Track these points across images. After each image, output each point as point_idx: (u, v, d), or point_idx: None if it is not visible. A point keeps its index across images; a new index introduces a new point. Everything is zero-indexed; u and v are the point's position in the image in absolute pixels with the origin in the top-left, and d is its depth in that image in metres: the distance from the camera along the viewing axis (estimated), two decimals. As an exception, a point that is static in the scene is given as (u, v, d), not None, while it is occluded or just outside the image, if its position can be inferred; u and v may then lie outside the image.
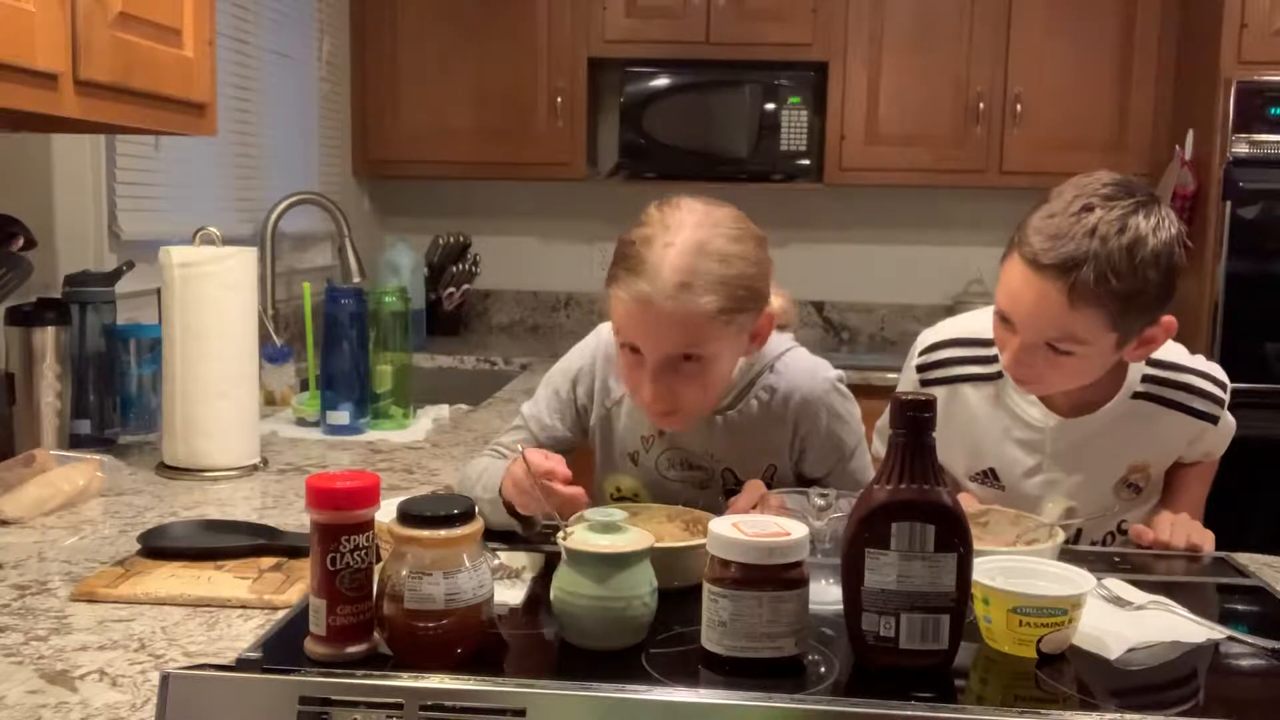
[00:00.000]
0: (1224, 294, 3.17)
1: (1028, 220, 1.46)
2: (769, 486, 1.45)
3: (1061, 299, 1.40)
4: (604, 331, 1.58)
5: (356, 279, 2.78)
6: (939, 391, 1.62)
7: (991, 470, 1.64)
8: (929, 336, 1.72)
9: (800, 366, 1.57)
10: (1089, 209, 1.41)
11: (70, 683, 1.03)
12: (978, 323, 1.63)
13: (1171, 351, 1.61)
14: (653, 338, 1.36)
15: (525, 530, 1.42)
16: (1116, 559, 1.44)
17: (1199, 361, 1.63)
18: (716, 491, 1.54)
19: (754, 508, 1.35)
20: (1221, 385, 1.62)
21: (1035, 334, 1.45)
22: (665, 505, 1.45)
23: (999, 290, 1.49)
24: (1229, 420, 1.66)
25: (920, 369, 1.70)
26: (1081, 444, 1.58)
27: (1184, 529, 1.53)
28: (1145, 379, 1.58)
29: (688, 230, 1.36)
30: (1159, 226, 1.43)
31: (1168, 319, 1.49)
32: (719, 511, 1.35)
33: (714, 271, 1.35)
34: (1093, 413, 1.57)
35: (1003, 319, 1.50)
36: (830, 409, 1.54)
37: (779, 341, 1.58)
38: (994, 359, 1.58)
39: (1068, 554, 1.34)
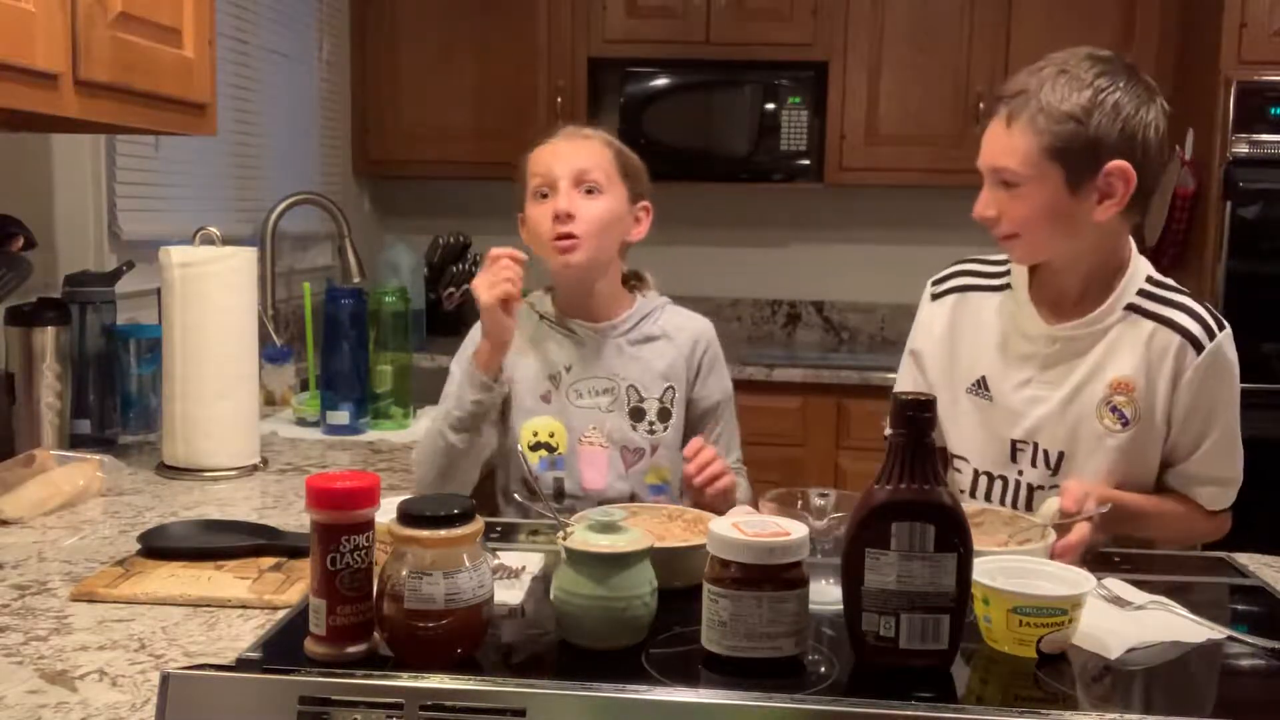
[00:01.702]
0: (1224, 294, 3.16)
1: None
2: (667, 408, 1.77)
3: (1001, 125, 1.52)
4: None
5: (356, 279, 2.78)
6: (949, 300, 1.70)
7: (983, 379, 1.64)
8: (941, 272, 1.78)
9: (686, 312, 1.88)
10: (1046, 59, 1.53)
11: (70, 683, 1.03)
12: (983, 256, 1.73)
13: (1176, 286, 1.61)
14: (561, 158, 1.73)
15: (491, 392, 1.66)
16: (1116, 559, 1.44)
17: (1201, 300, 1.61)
18: (623, 413, 1.77)
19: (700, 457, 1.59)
20: (1217, 320, 1.58)
21: (986, 165, 1.54)
22: (665, 505, 1.45)
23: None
24: (1228, 404, 1.62)
25: (934, 287, 1.75)
26: (1070, 355, 1.59)
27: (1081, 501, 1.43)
28: (1140, 293, 1.59)
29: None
30: (1117, 82, 1.48)
31: (1121, 164, 1.48)
32: (624, 434, 1.74)
33: (605, 134, 1.82)
34: (1083, 317, 1.58)
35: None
36: (717, 345, 1.86)
37: (661, 298, 1.87)
38: (1000, 275, 1.66)
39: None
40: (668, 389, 1.79)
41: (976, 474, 1.65)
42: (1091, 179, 1.49)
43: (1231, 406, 1.63)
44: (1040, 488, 1.59)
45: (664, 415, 1.79)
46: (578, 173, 1.73)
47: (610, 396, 1.77)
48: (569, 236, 1.70)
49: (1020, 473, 1.61)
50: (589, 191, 1.72)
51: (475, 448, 1.68)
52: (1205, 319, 1.57)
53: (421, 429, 2.26)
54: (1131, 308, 1.57)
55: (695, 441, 1.65)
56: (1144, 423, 1.57)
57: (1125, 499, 1.54)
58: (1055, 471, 1.58)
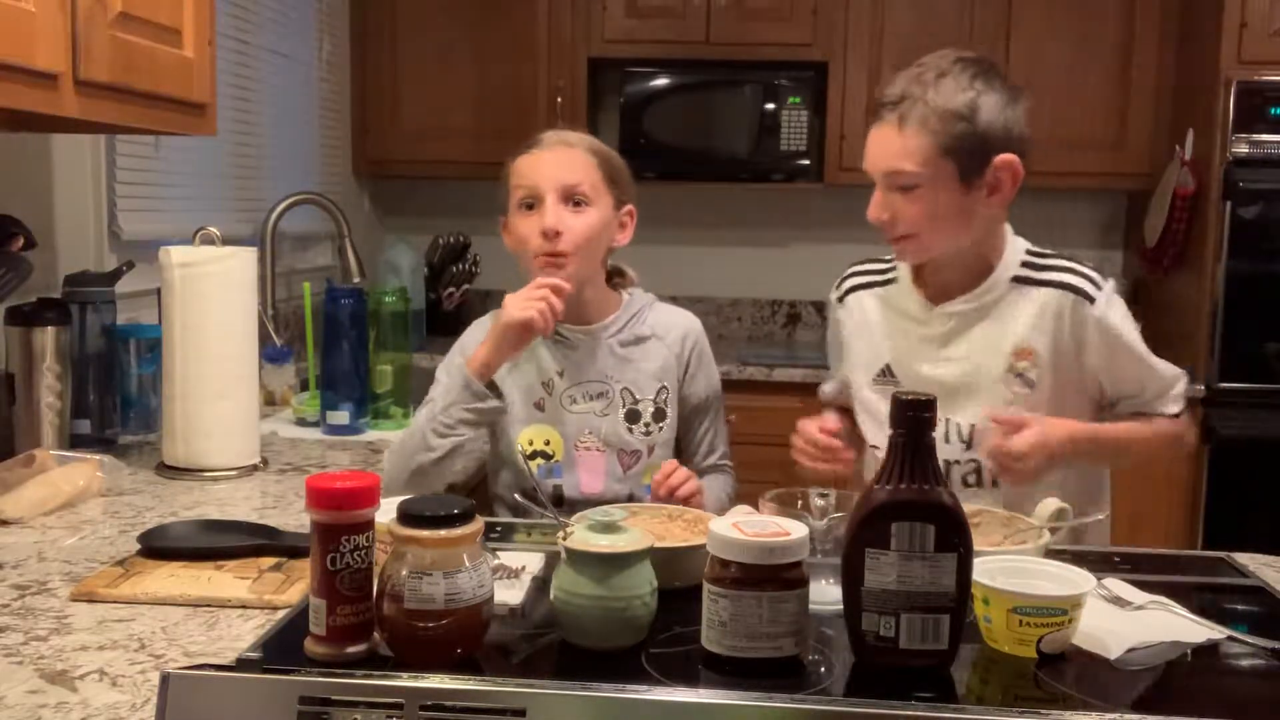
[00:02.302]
0: (1224, 294, 3.16)
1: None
2: (662, 408, 1.77)
3: (892, 129, 1.57)
4: (488, 320, 1.82)
5: (356, 279, 2.77)
6: (849, 301, 1.82)
7: (888, 367, 1.73)
8: (843, 274, 1.89)
9: (673, 309, 1.87)
10: (920, 64, 1.60)
11: (70, 683, 1.03)
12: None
13: (1055, 254, 1.71)
14: (546, 171, 1.70)
15: (490, 402, 1.66)
16: (1116, 559, 1.44)
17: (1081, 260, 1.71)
18: (618, 416, 1.77)
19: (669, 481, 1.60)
20: (1100, 274, 1.67)
21: (878, 168, 1.60)
22: (665, 505, 1.45)
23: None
24: (1130, 336, 1.67)
25: (835, 294, 1.87)
26: (964, 328, 1.66)
27: (1015, 443, 1.51)
28: (1023, 264, 1.66)
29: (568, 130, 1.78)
30: (991, 82, 1.58)
31: (1008, 158, 1.57)
32: (620, 437, 1.74)
33: (589, 139, 1.77)
34: (966, 293, 1.66)
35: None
36: (705, 341, 1.86)
37: (646, 295, 1.87)
38: (888, 270, 1.77)
39: (1067, 553, 1.34)
40: (661, 389, 1.80)
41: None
42: (981, 174, 1.57)
43: (1137, 336, 1.69)
44: (957, 462, 1.67)
45: (659, 416, 1.79)
46: (565, 187, 1.71)
47: (605, 400, 1.77)
48: (557, 254, 1.70)
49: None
50: (576, 204, 1.71)
51: (451, 456, 1.67)
52: (1089, 274, 1.65)
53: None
54: (1018, 279, 1.65)
55: (669, 464, 1.65)
56: (1053, 382, 1.64)
57: (1099, 430, 1.65)
58: (969, 445, 1.65)
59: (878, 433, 1.72)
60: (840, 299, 1.84)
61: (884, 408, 1.59)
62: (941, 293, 1.68)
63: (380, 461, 2.02)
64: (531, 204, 1.72)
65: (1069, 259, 1.68)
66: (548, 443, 1.76)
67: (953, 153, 1.55)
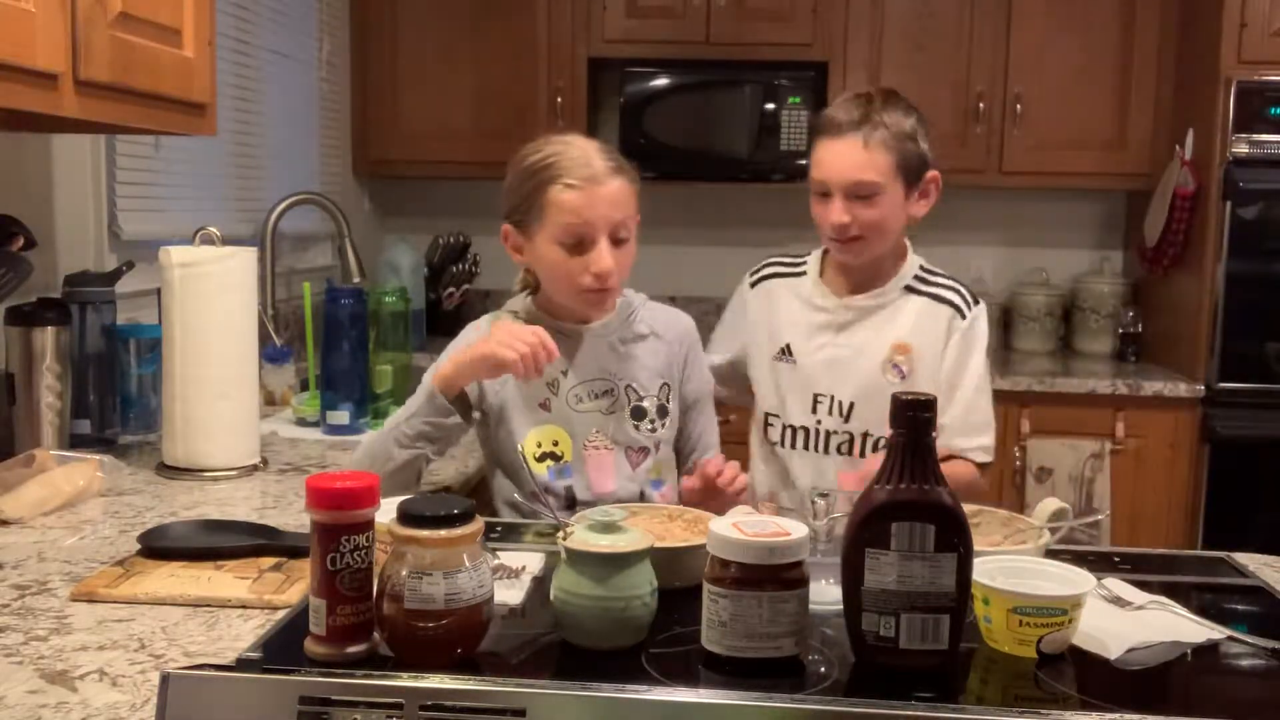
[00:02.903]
0: (1224, 294, 3.17)
1: (820, 122, 1.94)
2: (665, 405, 1.79)
3: (857, 144, 1.85)
4: (484, 322, 1.83)
5: (356, 279, 2.77)
6: (762, 286, 2.06)
7: (788, 346, 1.98)
8: (759, 264, 2.12)
9: (666, 308, 1.89)
10: (858, 96, 1.90)
11: (70, 683, 1.03)
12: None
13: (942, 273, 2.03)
14: (602, 211, 1.65)
15: (461, 416, 1.65)
16: (1116, 559, 1.44)
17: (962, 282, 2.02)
18: (623, 415, 1.77)
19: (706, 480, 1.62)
20: (973, 297, 1.99)
21: (846, 179, 1.86)
22: (665, 505, 1.45)
23: (814, 173, 1.91)
24: (977, 353, 1.95)
25: (751, 278, 2.09)
26: (859, 320, 1.96)
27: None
28: (915, 277, 1.98)
29: (581, 138, 1.73)
30: (911, 109, 1.91)
31: (935, 173, 1.95)
32: (626, 435, 1.75)
33: (625, 163, 1.72)
34: (865, 294, 1.96)
35: (821, 194, 1.90)
36: (698, 338, 1.90)
37: (638, 294, 1.88)
38: (799, 264, 2.05)
39: (1067, 553, 1.34)
40: (663, 386, 1.81)
41: (784, 428, 1.97)
42: (917, 186, 1.92)
43: (981, 364, 1.97)
44: (834, 433, 1.94)
45: (662, 412, 1.80)
46: (616, 225, 1.67)
47: (611, 398, 1.77)
48: (605, 290, 1.69)
49: (819, 422, 1.95)
50: (619, 241, 1.68)
51: (409, 468, 1.66)
52: (966, 295, 1.98)
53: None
54: (908, 288, 1.97)
55: (714, 461, 1.66)
56: (920, 377, 1.93)
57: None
58: (847, 419, 1.93)
59: (772, 399, 1.99)
60: (754, 284, 2.08)
61: (781, 379, 1.99)
62: (845, 289, 1.97)
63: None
64: (578, 242, 1.66)
65: (952, 278, 2.00)
66: (556, 443, 1.74)
67: (903, 169, 1.87)
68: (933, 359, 1.93)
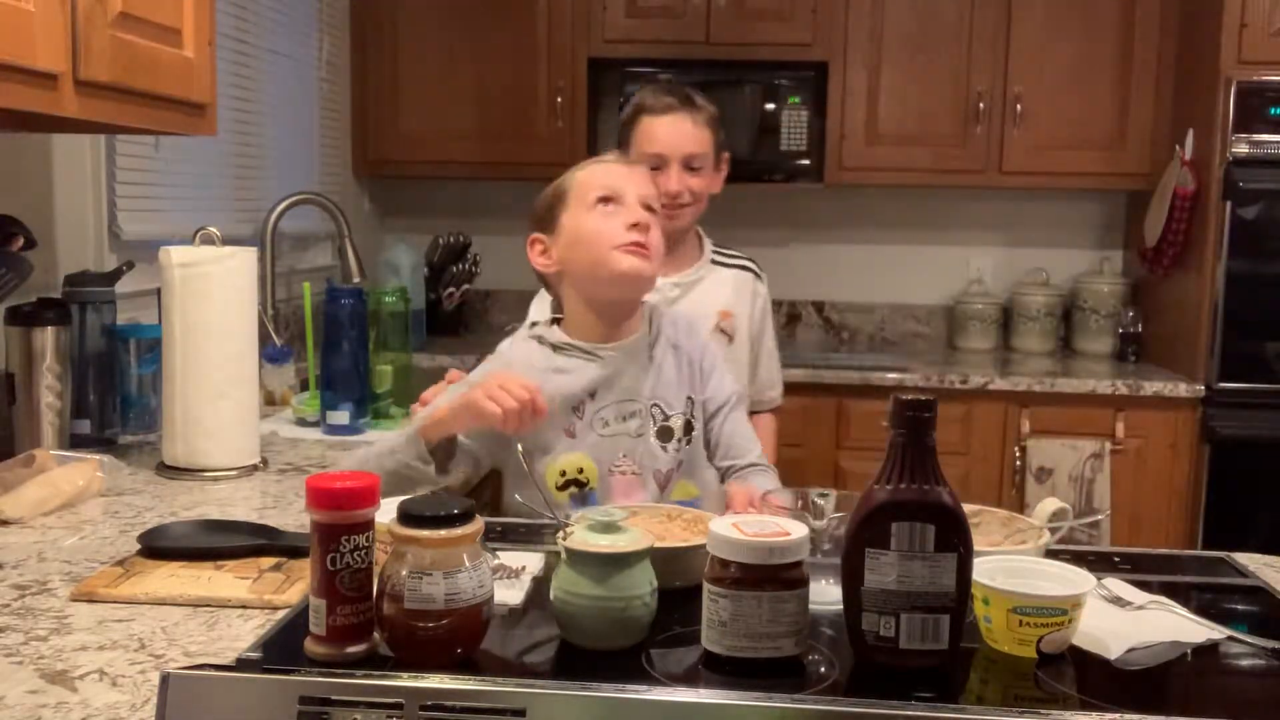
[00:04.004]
0: (1224, 294, 3.17)
1: (635, 105, 2.19)
2: (690, 420, 1.75)
3: (688, 121, 2.14)
4: (503, 347, 1.83)
5: (356, 279, 2.78)
6: None
7: None
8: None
9: (679, 313, 1.93)
10: (665, 85, 2.36)
11: (70, 683, 1.03)
12: None
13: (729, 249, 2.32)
14: (634, 181, 1.72)
15: (438, 467, 1.58)
16: (1116, 559, 1.44)
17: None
18: (649, 437, 1.71)
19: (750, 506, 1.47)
20: (759, 266, 2.33)
21: (682, 151, 2.13)
22: (665, 505, 1.45)
23: (646, 148, 2.13)
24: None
25: None
26: (684, 295, 2.18)
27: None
28: (714, 252, 2.28)
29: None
30: (704, 98, 2.21)
31: (726, 154, 2.26)
32: (653, 456, 1.70)
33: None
34: (684, 271, 2.20)
35: (652, 168, 2.03)
36: (715, 345, 1.97)
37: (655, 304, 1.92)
38: None
39: (1067, 553, 1.34)
40: (687, 400, 1.76)
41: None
42: (719, 162, 2.22)
43: (772, 323, 2.36)
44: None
45: (688, 429, 1.74)
46: (645, 196, 1.70)
47: (638, 420, 1.71)
48: (643, 246, 1.67)
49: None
50: (650, 209, 1.72)
51: (400, 489, 1.54)
52: (755, 264, 2.33)
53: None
54: (714, 262, 2.26)
55: (741, 495, 1.57)
56: (739, 338, 2.22)
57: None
58: None
59: None
60: None
61: None
62: (666, 269, 2.04)
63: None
64: (609, 201, 1.67)
65: (740, 253, 2.32)
66: (581, 470, 1.68)
67: (716, 145, 2.19)
68: (746, 320, 2.24)
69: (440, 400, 1.69)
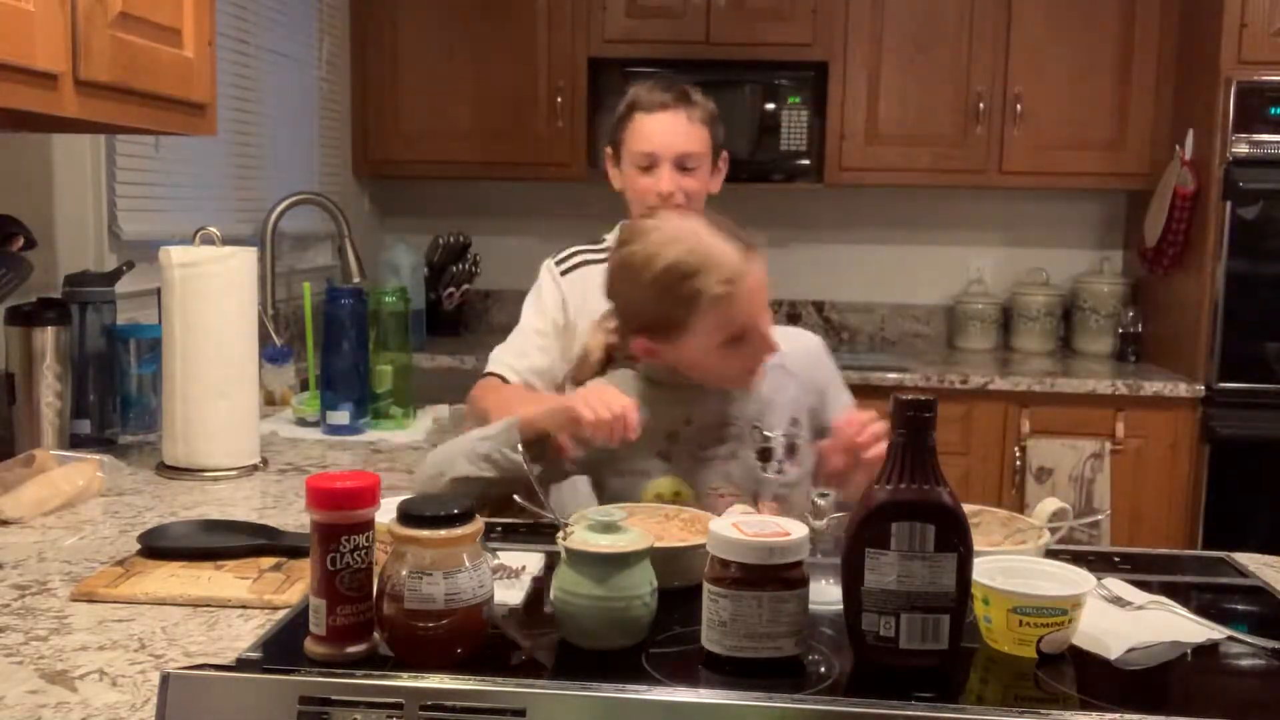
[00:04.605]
0: (1224, 294, 3.17)
1: (629, 101, 2.06)
2: (794, 442, 1.65)
3: (683, 119, 2.02)
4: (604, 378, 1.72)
5: (356, 279, 2.78)
6: (574, 276, 2.07)
7: None
8: (559, 254, 2.13)
9: (790, 331, 1.81)
10: (658, 82, 2.07)
11: (70, 683, 1.03)
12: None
13: None
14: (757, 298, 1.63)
15: (531, 460, 1.49)
16: (1116, 559, 1.44)
17: None
18: (748, 458, 1.63)
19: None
20: None
21: (675, 150, 2.00)
22: (665, 505, 1.45)
23: (637, 146, 2.02)
24: None
25: (558, 267, 2.10)
26: None
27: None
28: None
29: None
30: (702, 95, 2.08)
31: (725, 153, 2.13)
32: (754, 480, 1.62)
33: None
34: None
35: (644, 168, 2.01)
36: (829, 359, 1.82)
37: None
38: (603, 251, 2.04)
39: (1066, 553, 1.34)
40: (793, 421, 1.68)
41: None
42: (717, 162, 2.09)
43: None
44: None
45: (792, 451, 1.66)
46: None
47: (736, 442, 1.64)
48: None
49: None
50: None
51: (475, 483, 1.53)
52: None
53: (421, 429, 2.27)
54: None
55: (853, 420, 1.55)
56: None
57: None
58: None
59: None
60: (565, 271, 2.08)
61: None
62: None
63: (380, 461, 2.02)
64: (737, 338, 1.60)
65: None
66: (677, 494, 1.61)
67: (714, 144, 2.06)
68: None
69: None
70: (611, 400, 1.52)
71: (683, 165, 2.01)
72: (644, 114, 2.02)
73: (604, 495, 1.63)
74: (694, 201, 2.02)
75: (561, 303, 2.05)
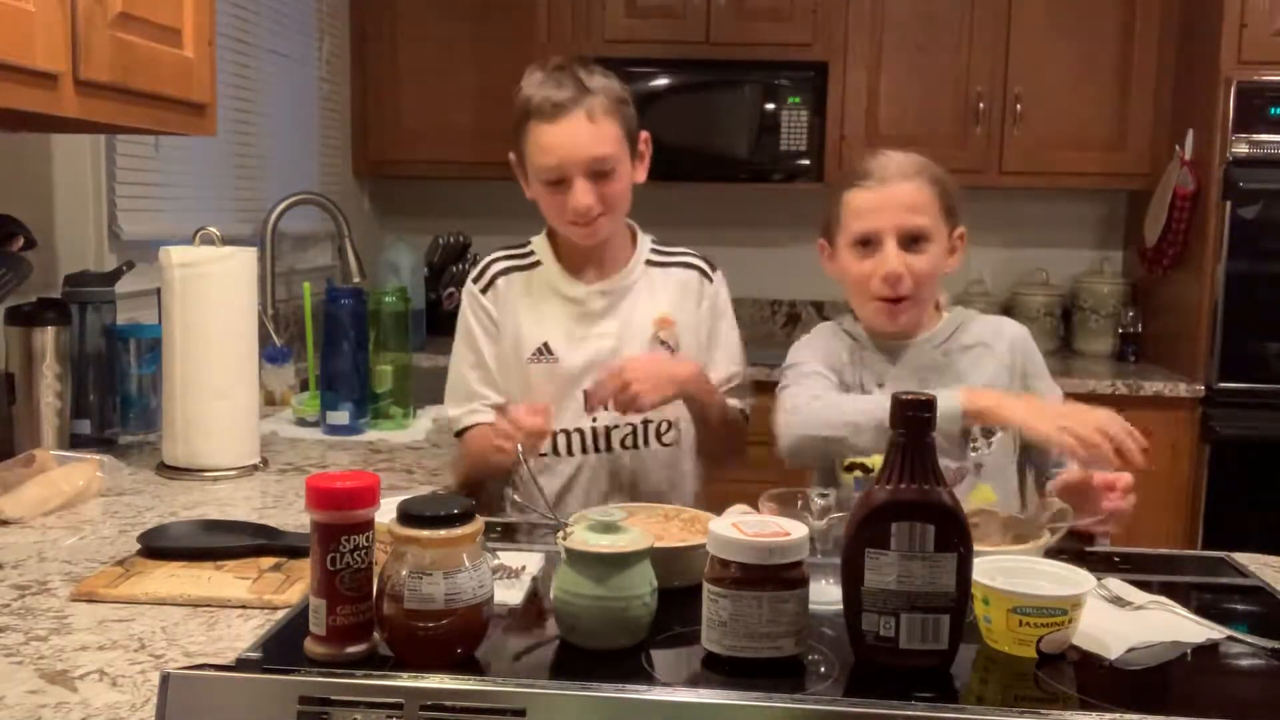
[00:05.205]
0: (1224, 294, 3.16)
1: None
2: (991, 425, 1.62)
3: (582, 121, 1.74)
4: (807, 339, 1.87)
5: (356, 279, 2.78)
6: (496, 286, 1.90)
7: (546, 344, 1.87)
8: (475, 271, 1.95)
9: (995, 318, 1.81)
10: (555, 70, 1.79)
11: (70, 683, 1.03)
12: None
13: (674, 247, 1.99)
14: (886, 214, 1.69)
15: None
16: (1116, 559, 1.44)
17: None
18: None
19: None
20: (710, 262, 1.98)
21: (581, 160, 1.75)
22: (663, 505, 1.45)
23: (541, 160, 1.77)
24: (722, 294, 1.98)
25: (475, 285, 1.92)
26: (615, 304, 1.89)
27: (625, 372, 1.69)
28: (652, 251, 1.94)
29: None
30: (604, 70, 1.82)
31: (646, 133, 1.87)
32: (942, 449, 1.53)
33: (926, 165, 1.77)
34: (611, 277, 1.89)
35: (553, 182, 1.77)
36: (1035, 349, 1.80)
37: (969, 310, 1.82)
38: (528, 255, 1.91)
39: (1066, 553, 1.34)
40: None
41: (555, 434, 1.83)
42: (635, 149, 1.84)
43: (733, 318, 1.98)
44: (616, 427, 1.85)
45: (988, 432, 1.66)
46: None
47: None
48: (900, 298, 1.67)
49: (595, 419, 1.84)
50: (915, 241, 1.68)
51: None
52: (704, 261, 1.97)
53: (421, 429, 2.27)
54: (650, 263, 1.92)
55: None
56: (688, 346, 1.90)
57: (708, 380, 1.86)
58: (625, 411, 1.76)
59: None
60: (486, 286, 1.91)
61: (541, 382, 1.85)
62: (582, 273, 1.89)
63: (380, 461, 2.02)
64: (869, 240, 1.70)
65: (685, 249, 1.97)
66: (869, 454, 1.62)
67: (627, 133, 1.80)
68: (694, 325, 1.91)
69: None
70: (518, 419, 1.63)
71: (598, 171, 1.76)
72: (541, 123, 1.76)
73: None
74: (619, 205, 1.82)
75: (488, 317, 1.90)
